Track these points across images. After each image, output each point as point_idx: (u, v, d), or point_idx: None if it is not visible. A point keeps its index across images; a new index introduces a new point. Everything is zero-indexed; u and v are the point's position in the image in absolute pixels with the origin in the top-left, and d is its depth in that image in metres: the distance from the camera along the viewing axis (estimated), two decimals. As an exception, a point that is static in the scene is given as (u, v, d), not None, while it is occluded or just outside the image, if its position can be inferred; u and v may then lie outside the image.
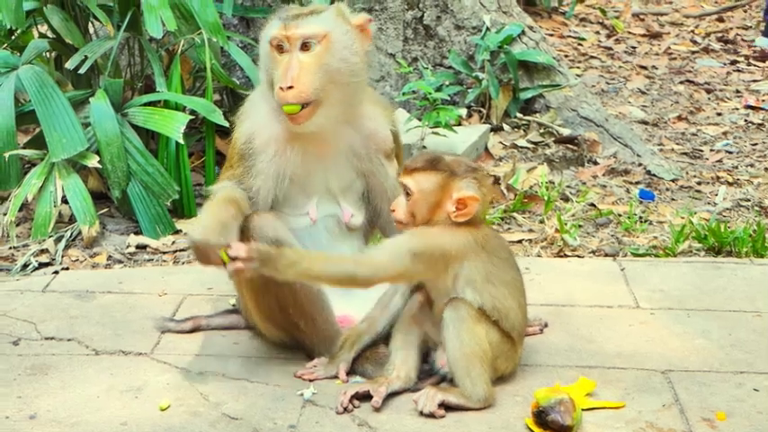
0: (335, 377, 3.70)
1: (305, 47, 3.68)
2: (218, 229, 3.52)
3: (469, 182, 3.53)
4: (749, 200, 5.89)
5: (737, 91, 8.29)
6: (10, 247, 5.09)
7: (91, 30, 5.94)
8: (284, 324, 3.81)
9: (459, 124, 6.44)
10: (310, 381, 3.68)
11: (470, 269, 3.53)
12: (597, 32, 9.95)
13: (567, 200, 5.76)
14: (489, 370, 3.55)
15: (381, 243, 3.64)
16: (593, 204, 5.71)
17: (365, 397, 3.54)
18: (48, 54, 5.93)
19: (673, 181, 6.17)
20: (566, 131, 6.57)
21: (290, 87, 3.62)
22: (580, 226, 5.39)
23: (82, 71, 5.29)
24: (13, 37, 5.91)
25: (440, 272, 3.54)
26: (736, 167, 6.50)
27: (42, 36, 5.93)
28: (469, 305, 3.52)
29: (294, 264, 3.41)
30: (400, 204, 3.58)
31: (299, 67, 3.64)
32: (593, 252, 5.12)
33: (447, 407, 3.49)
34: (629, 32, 10.04)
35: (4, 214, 5.20)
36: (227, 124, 5.22)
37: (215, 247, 3.41)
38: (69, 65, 5.33)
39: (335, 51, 3.71)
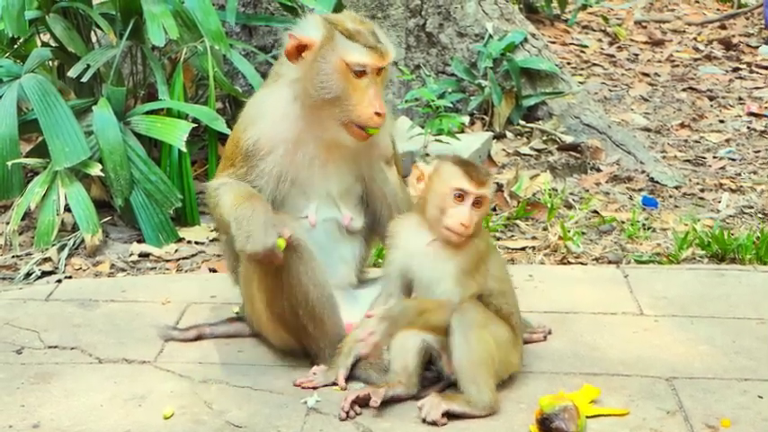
0: (335, 384, 3.70)
1: (380, 71, 3.77)
2: (267, 228, 3.60)
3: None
4: (752, 207, 5.89)
5: (740, 98, 8.29)
6: (13, 256, 5.09)
7: (93, 38, 5.94)
8: (293, 327, 3.81)
9: (462, 131, 6.44)
10: (312, 389, 3.68)
11: (494, 265, 3.66)
12: (600, 40, 9.95)
13: (570, 207, 5.76)
14: (495, 377, 3.56)
15: (441, 286, 3.60)
16: (596, 211, 5.71)
17: (367, 402, 3.54)
18: (50, 63, 5.94)
19: (676, 188, 6.17)
20: (568, 139, 6.57)
21: (384, 114, 3.74)
22: (583, 233, 5.38)
23: (84, 79, 5.29)
24: (15, 46, 5.91)
25: (483, 272, 3.63)
26: (739, 174, 6.50)
27: (45, 45, 5.93)
28: (476, 311, 3.54)
29: (414, 318, 3.52)
30: (474, 217, 3.58)
31: (381, 91, 3.77)
32: (597, 259, 5.12)
33: (451, 415, 3.48)
34: (632, 40, 10.03)
35: (7, 223, 5.20)
36: (229, 132, 5.21)
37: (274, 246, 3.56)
38: (72, 73, 5.33)
39: (388, 74, 3.87)
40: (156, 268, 5.04)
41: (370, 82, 3.72)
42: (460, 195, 3.56)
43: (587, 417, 3.44)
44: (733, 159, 6.81)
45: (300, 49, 3.77)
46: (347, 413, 3.51)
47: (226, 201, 3.76)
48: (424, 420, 3.46)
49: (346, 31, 3.74)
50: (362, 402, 3.55)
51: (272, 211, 3.71)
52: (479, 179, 3.57)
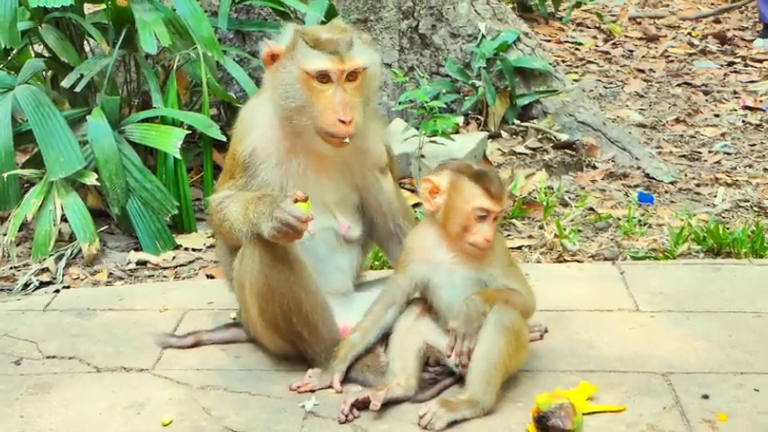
0: (330, 387, 3.71)
1: (351, 77, 3.71)
2: (282, 200, 3.62)
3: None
4: (748, 200, 5.90)
5: (735, 92, 8.29)
6: (11, 267, 5.10)
7: (87, 48, 5.96)
8: (288, 333, 3.81)
9: (457, 132, 6.44)
10: (308, 392, 3.69)
11: None
12: (594, 37, 9.96)
13: (566, 205, 5.77)
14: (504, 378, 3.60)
15: (509, 280, 3.69)
16: (592, 209, 5.72)
17: (366, 405, 3.55)
18: (44, 73, 5.95)
19: (671, 183, 6.18)
20: (563, 137, 6.58)
21: (350, 121, 3.67)
22: (579, 231, 5.39)
23: (78, 89, 5.31)
24: (9, 57, 5.92)
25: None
26: (735, 168, 6.50)
27: (38, 55, 5.94)
28: (515, 313, 3.58)
29: (484, 308, 3.56)
30: (494, 229, 3.65)
31: (350, 99, 3.69)
32: (593, 256, 5.13)
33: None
34: (626, 36, 10.04)
35: (4, 234, 5.21)
36: (224, 139, 5.23)
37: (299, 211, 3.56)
38: (65, 83, 5.34)
39: (371, 80, 3.79)
40: (153, 276, 5.05)
41: (336, 89, 3.67)
42: (483, 216, 3.59)
43: (584, 414, 3.46)
44: (728, 153, 6.81)
45: (274, 58, 3.77)
46: (346, 416, 3.52)
47: (234, 212, 3.76)
48: (425, 428, 3.46)
49: (311, 41, 3.70)
50: (361, 405, 3.56)
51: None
52: (499, 195, 3.60)
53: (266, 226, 3.59)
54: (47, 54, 5.77)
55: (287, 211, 3.56)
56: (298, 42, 3.72)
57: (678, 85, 8.48)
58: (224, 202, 3.82)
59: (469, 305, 3.54)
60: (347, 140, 3.70)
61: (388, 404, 3.57)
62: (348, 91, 3.69)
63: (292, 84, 3.71)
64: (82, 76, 5.32)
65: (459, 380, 3.66)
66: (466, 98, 6.70)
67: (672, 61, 9.23)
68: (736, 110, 7.83)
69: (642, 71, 8.90)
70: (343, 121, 3.66)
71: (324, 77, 3.68)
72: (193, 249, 5.30)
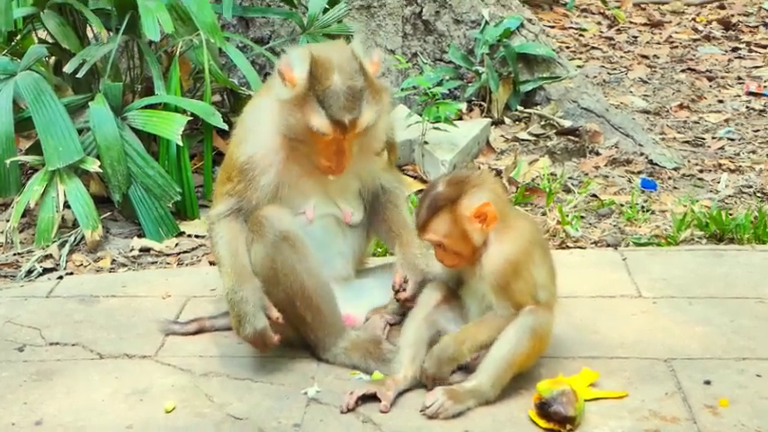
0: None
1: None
2: (257, 312, 3.72)
3: (472, 194, 3.54)
4: (751, 186, 5.89)
5: (739, 78, 8.27)
6: (14, 254, 5.10)
7: (90, 34, 5.94)
8: (291, 317, 3.81)
9: (460, 118, 6.44)
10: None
11: (538, 269, 3.65)
12: (599, 23, 9.93)
13: (568, 191, 5.76)
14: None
15: (503, 292, 3.58)
16: (594, 195, 5.71)
17: (372, 398, 3.55)
18: (47, 59, 5.94)
19: (675, 169, 6.16)
20: (567, 123, 6.57)
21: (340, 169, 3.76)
22: (582, 217, 5.39)
23: (80, 75, 5.29)
24: (12, 43, 5.92)
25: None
26: (738, 154, 6.49)
27: (42, 41, 5.93)
28: (544, 318, 3.59)
29: (459, 349, 3.55)
30: (441, 258, 3.63)
31: (347, 150, 3.73)
32: (596, 243, 5.12)
33: None
34: (631, 22, 10.01)
35: (7, 221, 5.21)
36: (226, 128, 5.22)
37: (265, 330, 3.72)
38: (67, 69, 5.33)
39: (377, 130, 3.83)
40: (156, 262, 5.05)
41: (333, 142, 3.69)
42: None
43: (586, 400, 3.46)
44: (732, 139, 6.80)
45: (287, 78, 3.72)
46: (350, 409, 3.52)
47: (222, 254, 3.86)
48: (430, 418, 3.47)
49: (322, 92, 3.63)
50: (367, 398, 3.55)
51: (260, 289, 3.74)
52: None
53: (241, 327, 3.72)
54: (50, 40, 5.76)
55: (258, 333, 3.71)
56: (309, 94, 3.66)
57: (682, 70, 8.46)
58: (216, 230, 3.89)
59: (443, 350, 3.55)
60: (332, 178, 3.81)
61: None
62: (349, 141, 3.72)
63: (297, 124, 3.70)
64: (84, 61, 5.31)
65: (463, 367, 3.67)
66: (469, 84, 6.70)
67: (676, 47, 9.21)
68: (739, 96, 7.81)
69: (646, 57, 8.87)
70: (331, 168, 3.75)
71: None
72: (197, 236, 5.30)
